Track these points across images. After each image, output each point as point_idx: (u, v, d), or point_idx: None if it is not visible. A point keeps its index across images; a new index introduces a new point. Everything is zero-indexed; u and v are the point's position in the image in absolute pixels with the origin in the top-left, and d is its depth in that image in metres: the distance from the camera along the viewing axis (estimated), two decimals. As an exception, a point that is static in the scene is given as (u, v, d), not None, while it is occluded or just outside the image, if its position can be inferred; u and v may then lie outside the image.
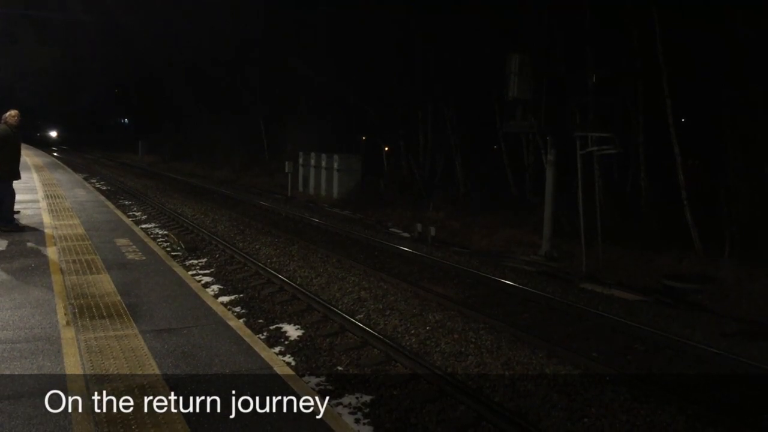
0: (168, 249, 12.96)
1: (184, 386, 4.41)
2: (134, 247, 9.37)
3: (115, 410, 4.01)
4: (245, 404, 4.19)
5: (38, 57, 52.99)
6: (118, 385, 4.39)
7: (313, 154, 26.84)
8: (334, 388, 6.57)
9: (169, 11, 38.66)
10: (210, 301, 6.69)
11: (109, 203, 15.36)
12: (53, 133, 74.75)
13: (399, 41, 23.19)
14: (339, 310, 8.88)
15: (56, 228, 10.70)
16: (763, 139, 13.74)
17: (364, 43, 24.55)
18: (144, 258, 8.60)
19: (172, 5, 37.83)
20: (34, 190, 16.70)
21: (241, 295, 9.97)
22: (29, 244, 9.19)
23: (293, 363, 7.20)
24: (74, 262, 8.11)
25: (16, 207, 10.84)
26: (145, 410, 4.03)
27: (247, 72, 34.87)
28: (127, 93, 58.49)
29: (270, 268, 11.41)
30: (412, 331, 8.35)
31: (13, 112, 9.60)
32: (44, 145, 60.93)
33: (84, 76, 57.90)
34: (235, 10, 32.29)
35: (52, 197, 15.31)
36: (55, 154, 46.73)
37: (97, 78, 57.84)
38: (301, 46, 28.20)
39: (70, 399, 4.15)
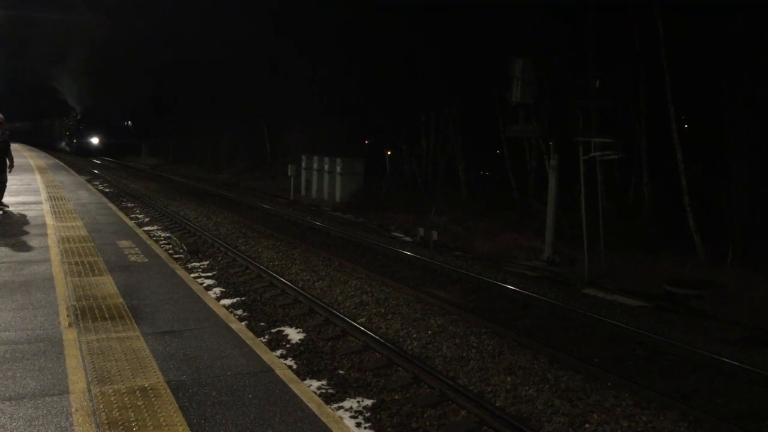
0: (170, 251, 12.98)
1: (186, 388, 4.42)
2: (137, 249, 9.38)
3: (116, 412, 4.01)
4: (246, 406, 4.19)
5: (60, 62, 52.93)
6: (119, 387, 4.39)
7: (315, 158, 26.87)
8: (336, 391, 6.57)
9: (172, 12, 38.79)
10: (212, 304, 6.70)
11: (111, 205, 15.39)
12: (94, 140, 58.52)
13: (403, 44, 23.23)
14: (341, 313, 8.88)
15: (59, 230, 10.72)
16: (766, 143, 13.73)
17: (368, 46, 24.59)
18: (146, 260, 8.61)
19: (176, 6, 37.97)
20: (37, 192, 16.75)
21: (243, 298, 9.97)
22: (32, 246, 9.21)
23: (295, 366, 7.20)
24: (77, 263, 8.13)
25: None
26: (147, 412, 4.03)
27: (251, 74, 34.94)
28: (132, 94, 57.24)
29: (272, 271, 11.41)
30: (414, 335, 8.34)
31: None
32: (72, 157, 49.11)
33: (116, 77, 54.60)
34: (240, 11, 32.40)
35: (55, 199, 15.35)
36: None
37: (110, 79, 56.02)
38: (306, 48, 28.27)
39: (72, 400, 4.15)
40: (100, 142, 58.50)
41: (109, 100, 56.62)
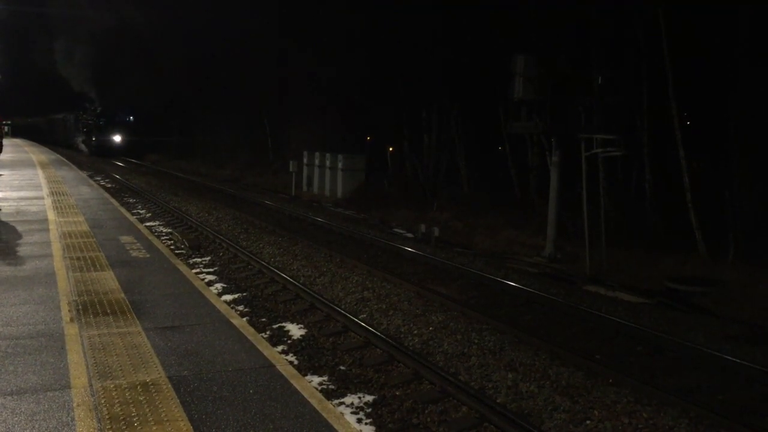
0: (172, 247, 12.98)
1: (187, 384, 4.42)
2: (138, 244, 9.39)
3: (118, 407, 4.02)
4: (248, 402, 4.19)
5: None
6: (121, 382, 4.40)
7: (317, 154, 26.87)
8: (337, 387, 6.57)
9: (174, 7, 38.72)
10: (213, 300, 6.71)
11: (113, 201, 15.41)
12: (117, 138, 49.62)
13: (405, 40, 23.19)
14: (342, 309, 8.88)
15: (60, 225, 10.73)
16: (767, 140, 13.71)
17: (371, 42, 24.56)
18: (148, 256, 8.62)
19: (181, 1, 37.89)
20: (39, 187, 16.76)
21: (245, 294, 9.98)
22: (33, 241, 9.22)
23: (296, 362, 7.20)
24: (78, 259, 8.13)
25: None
26: (148, 407, 4.03)
27: (255, 70, 34.90)
28: (137, 90, 55.62)
29: (273, 266, 11.42)
30: (415, 332, 8.35)
31: None
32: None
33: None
34: (242, 6, 32.36)
35: (56, 194, 15.37)
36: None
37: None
38: (308, 44, 28.24)
39: (74, 395, 4.16)
40: (122, 140, 50.08)
41: (118, 95, 54.68)
